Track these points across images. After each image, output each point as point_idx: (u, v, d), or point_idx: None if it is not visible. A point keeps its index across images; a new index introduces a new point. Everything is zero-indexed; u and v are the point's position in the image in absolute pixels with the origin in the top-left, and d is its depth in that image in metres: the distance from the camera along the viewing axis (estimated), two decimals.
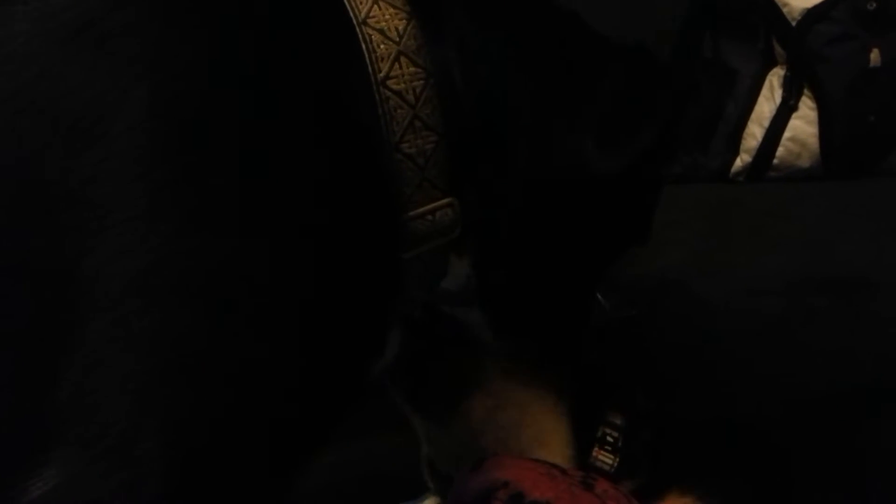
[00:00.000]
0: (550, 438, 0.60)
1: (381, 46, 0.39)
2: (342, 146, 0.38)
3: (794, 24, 0.97)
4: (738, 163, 1.01)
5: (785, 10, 0.98)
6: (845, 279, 0.72)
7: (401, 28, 0.40)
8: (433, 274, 0.45)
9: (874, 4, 0.96)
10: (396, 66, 0.40)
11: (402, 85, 0.40)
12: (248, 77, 0.35)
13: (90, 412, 0.29)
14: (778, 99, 0.99)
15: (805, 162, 0.98)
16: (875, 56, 0.96)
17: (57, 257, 0.30)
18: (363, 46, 0.39)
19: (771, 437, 0.63)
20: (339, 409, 0.40)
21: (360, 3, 0.40)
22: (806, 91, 0.98)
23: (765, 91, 1.01)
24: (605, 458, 0.60)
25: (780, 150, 0.98)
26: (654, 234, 0.87)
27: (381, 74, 0.39)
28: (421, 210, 0.41)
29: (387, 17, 0.40)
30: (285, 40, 0.37)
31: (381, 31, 0.40)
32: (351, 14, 0.39)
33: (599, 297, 0.79)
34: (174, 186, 0.32)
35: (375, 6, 0.40)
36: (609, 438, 0.61)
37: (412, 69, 0.40)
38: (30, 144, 0.30)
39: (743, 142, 1.01)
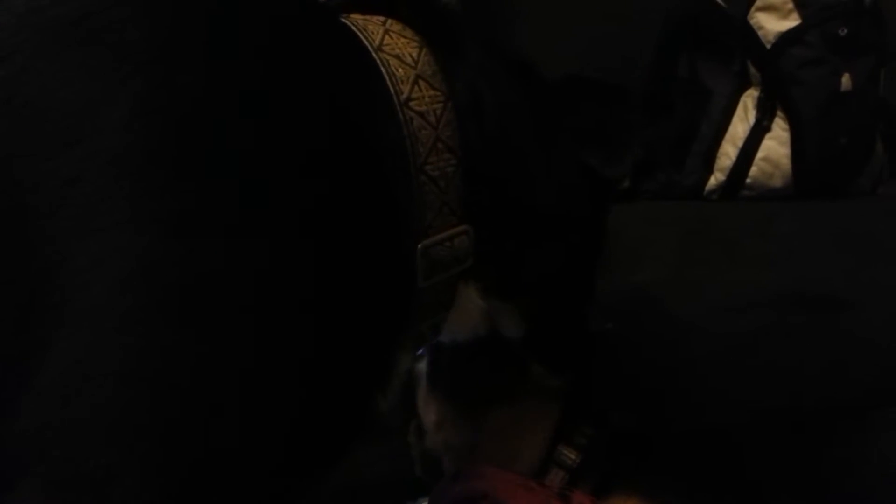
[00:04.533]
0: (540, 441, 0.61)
1: (400, 70, 0.39)
2: (361, 161, 0.36)
3: (768, 46, 1.00)
4: (713, 181, 1.03)
5: (760, 32, 1.00)
6: (818, 297, 0.73)
7: (415, 55, 0.40)
8: (441, 304, 0.43)
9: (845, 31, 0.98)
10: (416, 88, 0.39)
11: (424, 107, 0.39)
12: (251, 81, 0.33)
13: (60, 444, 0.26)
14: (752, 119, 1.01)
15: (777, 182, 1.00)
16: (846, 80, 0.98)
17: (35, 263, 0.27)
18: (383, 70, 0.38)
19: (736, 449, 0.64)
20: (339, 443, 0.37)
21: (372, 32, 0.39)
22: (779, 113, 1.00)
23: (739, 112, 1.03)
24: (568, 454, 0.61)
25: (754, 170, 1.00)
26: (631, 250, 0.88)
27: (404, 96, 0.38)
28: (441, 236, 0.40)
29: (399, 44, 0.39)
30: (290, 47, 0.35)
31: (397, 57, 0.39)
32: (365, 41, 0.38)
33: None
34: (165, 188, 0.29)
35: (387, 36, 0.39)
36: (578, 440, 0.62)
37: (431, 92, 0.40)
38: (8, 143, 0.28)
39: (717, 161, 1.02)
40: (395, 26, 0.40)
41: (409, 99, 0.39)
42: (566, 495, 0.57)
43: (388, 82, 0.38)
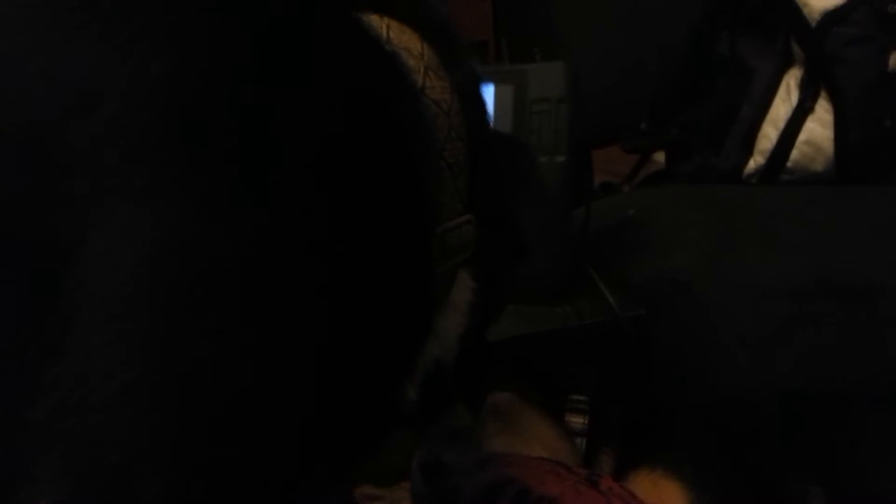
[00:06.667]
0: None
1: (411, 61, 0.39)
2: (390, 142, 0.36)
3: (813, 24, 0.97)
4: (752, 164, 1.01)
5: (805, 10, 0.97)
6: (854, 285, 0.73)
7: (419, 48, 0.41)
8: (445, 295, 0.43)
9: (895, 7, 0.95)
10: (428, 78, 0.40)
11: (437, 95, 0.40)
12: (275, 59, 0.32)
13: (78, 438, 0.25)
14: (794, 100, 0.99)
15: (819, 166, 0.98)
16: (894, 60, 0.95)
17: (54, 237, 0.27)
18: (396, 59, 0.38)
19: (761, 432, 0.64)
20: (368, 431, 0.37)
21: (377, 26, 0.39)
22: (823, 94, 0.98)
23: (781, 92, 1.00)
24: (576, 420, 0.62)
25: (795, 153, 0.98)
26: (664, 235, 0.88)
27: (419, 84, 0.39)
28: (454, 222, 0.41)
29: (403, 38, 0.40)
30: (313, 28, 0.34)
31: (405, 49, 0.39)
32: (372, 32, 0.38)
33: (608, 295, 0.80)
34: (182, 168, 0.28)
35: (389, 30, 0.39)
36: (576, 405, 0.63)
37: (440, 83, 0.41)
38: (25, 111, 0.28)
39: (757, 143, 1.00)
40: (393, 23, 0.40)
41: (424, 87, 0.39)
42: (594, 480, 0.57)
43: (405, 70, 0.38)
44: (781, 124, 0.99)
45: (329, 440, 0.34)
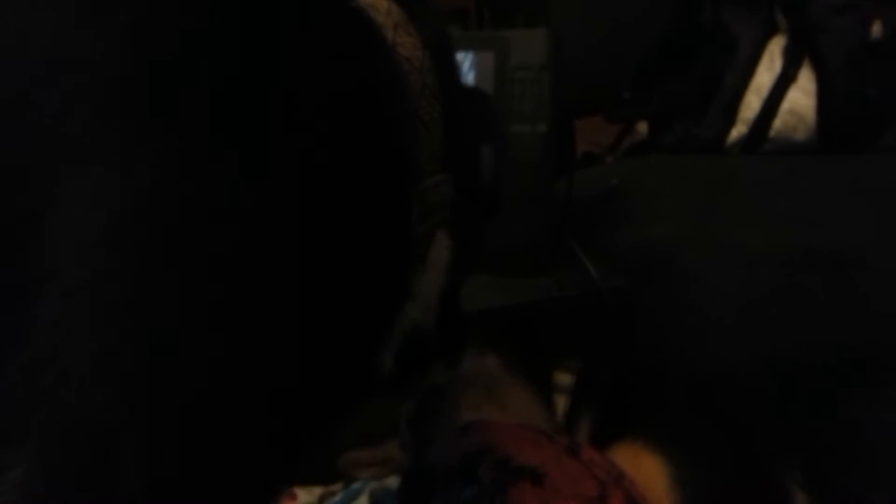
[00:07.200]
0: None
1: (379, 17, 0.38)
2: (358, 104, 0.35)
3: None
4: (734, 134, 1.00)
5: None
6: (835, 255, 0.72)
7: (385, 5, 0.39)
8: (422, 257, 0.43)
9: None
10: (398, 34, 0.39)
11: (408, 52, 0.39)
12: (248, 19, 0.31)
13: (53, 405, 0.25)
14: (778, 69, 0.98)
15: (801, 135, 0.97)
16: (877, 28, 0.94)
17: (22, 198, 0.26)
18: (364, 15, 0.37)
19: (742, 404, 0.64)
20: (346, 396, 0.37)
21: None
22: (806, 63, 0.97)
23: (764, 61, 0.99)
24: (563, 378, 0.62)
25: (777, 122, 0.98)
26: (646, 205, 0.88)
27: (390, 41, 0.38)
28: (432, 181, 0.40)
29: None
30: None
31: (371, 6, 0.38)
32: None
33: (589, 266, 0.79)
34: (163, 125, 0.28)
35: None
36: (570, 364, 0.63)
37: (410, 39, 0.39)
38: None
39: (740, 112, 1.00)
40: None
41: (395, 43, 0.38)
42: (575, 450, 0.57)
43: (374, 27, 0.37)
44: (765, 93, 0.98)
45: (307, 407, 0.33)
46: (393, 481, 0.64)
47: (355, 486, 0.67)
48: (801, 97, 0.97)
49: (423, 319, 0.43)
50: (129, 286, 0.26)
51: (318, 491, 0.69)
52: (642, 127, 1.13)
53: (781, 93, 0.97)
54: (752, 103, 0.99)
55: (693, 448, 0.60)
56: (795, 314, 0.70)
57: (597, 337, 0.75)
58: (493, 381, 0.62)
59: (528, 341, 0.70)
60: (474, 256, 0.49)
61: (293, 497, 0.67)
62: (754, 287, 0.73)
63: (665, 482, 0.57)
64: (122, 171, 0.27)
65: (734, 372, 0.68)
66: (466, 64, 0.82)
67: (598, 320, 0.76)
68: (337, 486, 0.69)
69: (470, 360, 0.61)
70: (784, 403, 0.63)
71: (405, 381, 0.47)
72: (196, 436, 0.27)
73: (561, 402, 0.63)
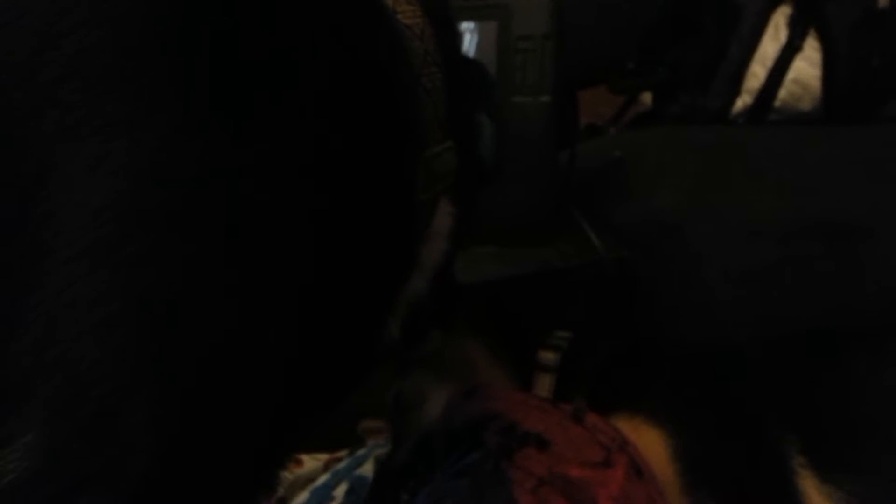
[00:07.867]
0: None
1: None
2: (362, 72, 0.34)
3: None
4: (739, 104, 0.99)
5: None
6: (840, 225, 0.72)
7: None
8: (425, 220, 0.43)
9: None
10: (397, 3, 0.38)
11: (408, 20, 0.39)
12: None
13: (63, 367, 0.25)
14: (783, 38, 0.97)
15: (806, 105, 0.97)
16: None
17: (25, 167, 0.25)
18: None
19: (742, 372, 0.64)
20: (351, 369, 0.37)
21: None
22: (811, 32, 0.96)
23: (770, 30, 0.98)
24: (547, 356, 0.62)
25: (782, 92, 0.97)
26: (649, 176, 0.87)
27: (390, 8, 0.38)
28: (437, 149, 0.40)
29: None
30: None
31: None
32: None
33: (592, 237, 0.79)
34: (157, 97, 0.27)
35: None
36: (555, 342, 0.63)
37: (410, 7, 0.39)
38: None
39: (745, 82, 0.99)
40: None
41: (395, 11, 0.38)
42: (579, 416, 0.58)
43: None
44: (770, 63, 0.97)
45: (314, 377, 0.33)
46: None
47: (361, 452, 0.68)
48: (807, 67, 0.96)
49: (425, 287, 0.43)
50: (136, 252, 0.26)
51: (323, 457, 0.70)
52: (646, 98, 1.12)
53: (786, 63, 0.97)
54: (757, 73, 0.98)
55: (693, 420, 0.60)
56: (800, 284, 0.71)
57: (595, 307, 0.76)
58: (471, 371, 0.62)
59: (512, 320, 0.70)
60: (471, 224, 0.49)
61: (299, 463, 0.68)
62: (758, 257, 0.73)
63: (666, 454, 0.57)
64: (129, 138, 0.26)
65: (736, 341, 0.69)
66: (469, 34, 0.81)
67: (599, 290, 0.76)
68: (343, 453, 0.70)
69: (449, 349, 0.60)
70: (784, 370, 0.63)
71: (406, 349, 0.47)
72: (203, 404, 0.27)
73: (546, 381, 0.63)
